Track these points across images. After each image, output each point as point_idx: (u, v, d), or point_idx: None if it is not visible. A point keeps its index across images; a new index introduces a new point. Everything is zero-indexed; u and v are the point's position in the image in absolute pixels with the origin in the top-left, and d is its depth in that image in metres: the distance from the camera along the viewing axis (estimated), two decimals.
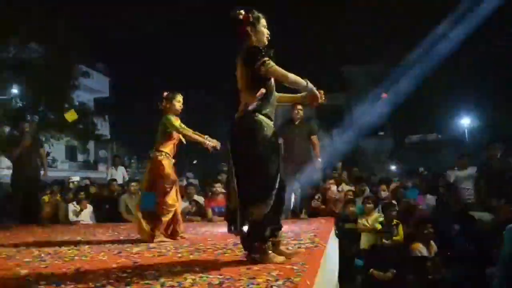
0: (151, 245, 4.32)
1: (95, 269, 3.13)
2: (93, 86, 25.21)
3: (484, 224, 6.06)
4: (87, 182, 10.80)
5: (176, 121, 4.67)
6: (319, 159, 6.57)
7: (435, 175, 8.12)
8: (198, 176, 12.26)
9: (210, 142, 4.62)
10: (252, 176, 2.99)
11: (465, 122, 21.65)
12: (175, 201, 4.67)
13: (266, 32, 3.18)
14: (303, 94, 3.27)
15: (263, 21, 3.18)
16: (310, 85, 3.09)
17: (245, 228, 3.00)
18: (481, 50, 16.77)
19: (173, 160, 4.76)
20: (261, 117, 3.05)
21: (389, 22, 19.16)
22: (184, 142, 4.81)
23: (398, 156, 21.54)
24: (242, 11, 3.14)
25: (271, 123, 3.10)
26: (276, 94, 3.23)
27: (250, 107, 3.04)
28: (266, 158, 3.00)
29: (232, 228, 3.12)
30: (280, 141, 3.09)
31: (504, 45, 15.68)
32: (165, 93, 4.79)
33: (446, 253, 5.92)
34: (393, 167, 19.11)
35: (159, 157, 4.62)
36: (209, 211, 7.17)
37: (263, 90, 3.06)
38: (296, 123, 6.64)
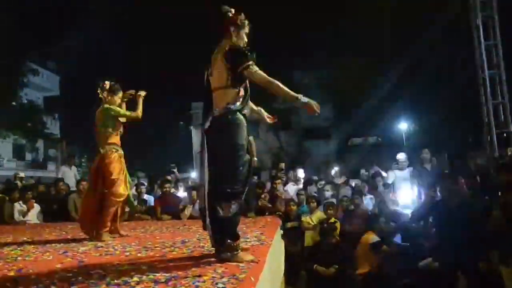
0: (99, 244, 4.19)
1: (39, 269, 2.99)
2: (43, 84, 24.26)
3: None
4: (32, 181, 10.33)
5: (119, 110, 4.58)
6: (255, 159, 6.62)
7: (374, 175, 8.35)
8: (148, 175, 12.03)
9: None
10: (226, 175, 2.95)
11: (403, 126, 22.52)
12: (125, 190, 4.53)
13: (245, 39, 3.15)
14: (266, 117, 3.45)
15: (247, 29, 3.16)
16: (305, 99, 2.97)
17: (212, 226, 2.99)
18: (417, 60, 17.54)
19: (121, 152, 4.62)
20: (241, 117, 3.03)
21: (338, 30, 19.62)
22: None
23: (342, 158, 22.06)
24: (233, 11, 3.10)
25: (246, 124, 3.06)
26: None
27: (233, 107, 3.00)
28: (241, 158, 2.97)
29: (203, 225, 3.15)
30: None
31: (438, 54, 16.46)
32: (107, 83, 4.61)
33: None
34: (336, 168, 19.51)
35: (108, 152, 4.50)
36: (159, 210, 7.06)
37: (242, 92, 3.04)
38: None
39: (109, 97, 4.59)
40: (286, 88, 2.99)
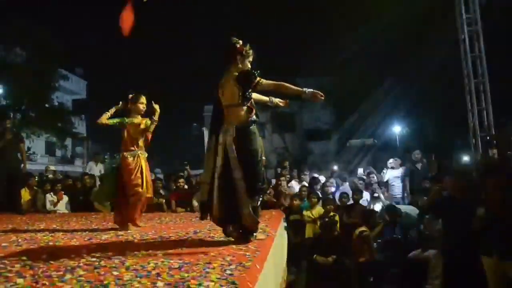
0: (120, 232, 4.22)
1: (67, 254, 3.01)
2: (71, 88, 24.44)
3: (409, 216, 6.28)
4: (60, 176, 10.41)
5: (142, 122, 4.62)
6: (264, 158, 6.64)
7: (369, 174, 8.34)
8: (164, 172, 12.08)
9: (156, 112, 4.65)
10: (257, 174, 3.34)
11: (397, 129, 22.40)
12: (140, 189, 4.49)
13: (249, 66, 3.46)
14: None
15: (251, 57, 3.47)
16: (310, 91, 3.38)
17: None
18: (410, 69, 17.45)
19: (137, 153, 4.60)
20: (255, 127, 3.43)
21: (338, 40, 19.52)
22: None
23: (341, 158, 22.00)
24: (240, 42, 3.42)
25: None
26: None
27: (252, 119, 3.39)
28: (261, 160, 3.40)
29: (202, 216, 3.53)
30: None
31: (429, 66, 16.35)
32: (130, 95, 4.67)
33: (377, 240, 6.13)
34: (335, 167, 19.47)
35: (122, 156, 4.56)
36: (173, 203, 7.10)
37: (250, 107, 3.40)
38: None
39: (132, 106, 4.65)
40: (292, 86, 3.41)
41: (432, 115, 18.68)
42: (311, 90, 3.39)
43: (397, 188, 7.91)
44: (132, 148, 4.58)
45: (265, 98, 3.80)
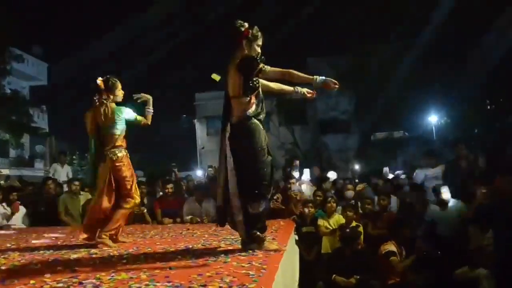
0: (93, 250, 4.22)
1: (25, 280, 2.98)
2: (28, 72, 24.40)
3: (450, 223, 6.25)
4: (15, 182, 10.38)
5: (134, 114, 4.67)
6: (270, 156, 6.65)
7: (399, 174, 8.33)
8: (147, 175, 12.11)
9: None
10: (252, 177, 3.58)
11: (433, 119, 22.33)
12: (137, 192, 4.66)
13: (258, 50, 3.67)
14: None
15: (259, 40, 3.68)
16: (321, 78, 3.67)
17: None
18: (449, 43, 17.37)
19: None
20: (256, 121, 3.63)
21: (354, 14, 19.51)
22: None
23: (363, 155, 21.99)
24: (246, 25, 3.63)
25: (262, 128, 3.67)
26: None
27: (247, 113, 3.61)
28: (263, 160, 3.60)
29: (219, 223, 3.90)
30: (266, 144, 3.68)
31: (475, 37, 16.28)
32: (101, 82, 4.57)
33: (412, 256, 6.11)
34: (357, 167, 19.51)
35: (118, 154, 4.56)
36: (159, 213, 7.09)
37: (254, 99, 3.63)
38: None
39: (111, 95, 4.61)
40: (300, 74, 3.68)
41: (478, 101, 18.58)
42: (323, 77, 3.68)
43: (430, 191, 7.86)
44: (123, 145, 4.63)
45: (289, 88, 4.00)
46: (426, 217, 6.55)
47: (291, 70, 3.70)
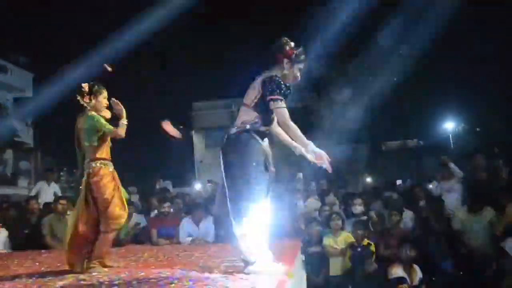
0: (81, 276, 4.17)
1: None
2: (12, 83, 24.49)
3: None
4: None
5: (105, 123, 4.53)
6: (273, 168, 6.64)
7: (414, 187, 8.28)
8: (141, 191, 12.07)
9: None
10: (241, 190, 3.57)
11: (449, 126, 22.32)
12: (122, 210, 4.49)
13: (298, 75, 3.75)
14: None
15: (301, 64, 3.73)
16: (315, 148, 3.62)
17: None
18: (466, 44, 17.39)
19: (112, 168, 4.62)
20: (255, 136, 3.65)
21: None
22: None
23: (374, 166, 21.94)
24: (292, 44, 3.71)
25: (264, 142, 3.71)
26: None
27: (248, 126, 3.66)
28: (255, 175, 3.57)
29: None
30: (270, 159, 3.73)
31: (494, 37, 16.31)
32: (86, 86, 4.59)
33: (430, 278, 6.04)
34: (368, 179, 19.45)
35: (93, 169, 4.48)
36: (154, 233, 7.07)
37: (262, 115, 3.68)
38: None
39: (93, 101, 4.59)
40: (300, 134, 3.65)
41: (499, 105, 18.54)
42: (318, 149, 3.62)
43: (450, 205, 7.82)
44: (106, 157, 4.57)
45: (294, 144, 3.90)
46: (453, 224, 6.52)
47: (295, 127, 3.67)
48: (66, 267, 4.53)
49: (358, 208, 7.47)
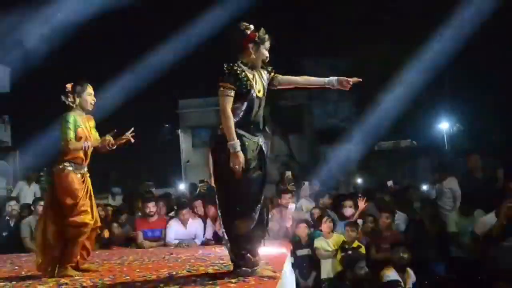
0: (62, 280, 4.15)
1: None
2: None
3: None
4: None
5: (71, 129, 4.46)
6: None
7: (406, 188, 8.34)
8: (125, 192, 12.10)
9: (111, 140, 4.60)
10: (232, 191, 3.63)
11: (444, 126, 22.46)
12: (89, 219, 4.43)
13: (266, 55, 3.81)
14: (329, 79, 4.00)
15: (267, 44, 3.81)
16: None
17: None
18: (460, 40, 17.52)
19: (85, 170, 4.61)
20: (239, 132, 3.63)
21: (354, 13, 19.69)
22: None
23: (366, 166, 22.04)
24: (251, 27, 3.76)
25: (252, 139, 3.71)
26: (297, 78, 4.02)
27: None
28: (245, 174, 3.57)
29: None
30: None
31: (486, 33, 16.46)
32: (70, 85, 4.61)
33: (423, 282, 6.10)
34: (359, 180, 19.57)
35: (59, 171, 4.46)
36: (139, 235, 7.07)
37: (243, 107, 3.69)
38: None
39: (77, 100, 4.59)
40: (230, 126, 3.62)
41: (494, 105, 18.70)
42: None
43: (447, 206, 7.89)
44: (79, 162, 4.54)
45: (318, 80, 4.07)
46: (446, 227, 6.58)
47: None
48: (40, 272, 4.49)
49: (349, 210, 7.49)
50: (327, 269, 6.53)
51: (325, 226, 6.70)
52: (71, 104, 4.58)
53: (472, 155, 8.09)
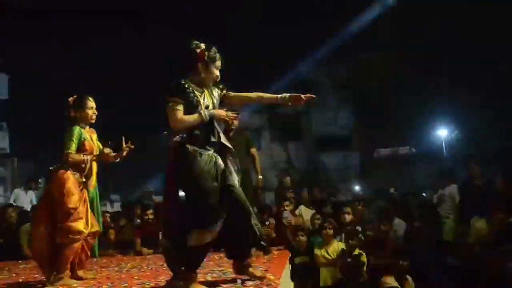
0: None
1: None
2: None
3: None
4: None
5: (74, 142, 4.48)
6: (260, 176, 6.70)
7: (407, 195, 8.35)
8: (123, 199, 12.11)
9: (111, 153, 4.64)
10: (190, 201, 3.60)
11: (442, 133, 22.50)
12: (83, 226, 4.37)
13: (216, 74, 3.78)
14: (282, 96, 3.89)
15: (218, 63, 3.78)
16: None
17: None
18: (458, 48, 17.61)
19: (83, 179, 4.60)
20: (191, 148, 3.63)
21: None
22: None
23: (366, 174, 22.05)
24: (202, 46, 3.73)
25: (204, 153, 3.66)
26: (247, 94, 3.98)
27: (179, 139, 3.70)
28: (202, 188, 3.56)
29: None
30: (221, 167, 3.69)
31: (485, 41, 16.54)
32: (71, 100, 4.67)
33: None
34: (357, 188, 19.58)
35: (60, 173, 4.44)
36: (138, 243, 7.06)
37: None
38: (230, 134, 6.65)
39: (79, 114, 4.63)
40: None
41: (492, 112, 18.76)
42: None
43: (447, 213, 7.90)
44: (79, 171, 4.54)
45: (270, 96, 4.03)
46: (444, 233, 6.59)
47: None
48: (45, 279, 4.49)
49: (347, 217, 7.48)
50: (326, 277, 6.52)
51: (325, 232, 6.67)
52: (72, 118, 4.61)
53: (470, 162, 8.12)
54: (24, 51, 23.98)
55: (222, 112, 3.73)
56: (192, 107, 3.64)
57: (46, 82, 22.67)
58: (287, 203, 7.66)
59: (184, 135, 3.69)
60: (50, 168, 4.56)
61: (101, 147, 4.73)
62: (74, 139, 4.48)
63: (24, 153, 24.05)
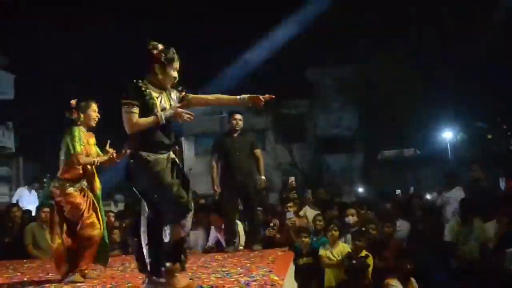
0: (64, 287, 4.18)
1: None
2: None
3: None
4: None
5: (79, 143, 4.52)
6: (263, 177, 6.69)
7: (411, 197, 8.33)
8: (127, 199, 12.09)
9: (113, 152, 4.69)
10: (160, 198, 3.60)
11: (448, 135, 22.43)
12: (96, 233, 4.50)
13: (173, 76, 3.73)
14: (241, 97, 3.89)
15: (175, 64, 3.72)
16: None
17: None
18: (464, 51, 17.57)
19: (83, 185, 4.64)
20: (146, 154, 3.58)
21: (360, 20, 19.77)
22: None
23: (369, 175, 22.01)
24: (159, 47, 3.67)
25: (159, 157, 3.63)
26: (209, 97, 4.00)
27: (132, 145, 3.65)
28: (165, 183, 3.56)
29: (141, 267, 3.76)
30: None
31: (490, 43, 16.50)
32: (74, 102, 4.68)
33: None
34: (361, 189, 19.54)
35: (59, 190, 4.53)
36: None
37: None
38: (235, 135, 6.66)
39: (81, 116, 4.67)
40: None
41: (497, 115, 18.72)
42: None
43: (452, 215, 7.87)
44: (76, 178, 4.59)
45: (229, 98, 4.04)
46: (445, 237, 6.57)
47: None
48: (50, 277, 4.53)
49: (351, 218, 7.48)
50: (331, 277, 6.51)
51: (331, 234, 6.67)
52: (74, 120, 4.65)
53: (473, 165, 8.13)
54: (29, 51, 24.04)
55: (177, 111, 3.61)
56: (148, 109, 3.59)
57: (52, 82, 22.72)
58: (291, 204, 7.64)
59: (138, 141, 3.62)
60: (50, 189, 4.66)
61: (100, 152, 4.77)
62: (77, 141, 4.52)
63: (29, 152, 24.11)
